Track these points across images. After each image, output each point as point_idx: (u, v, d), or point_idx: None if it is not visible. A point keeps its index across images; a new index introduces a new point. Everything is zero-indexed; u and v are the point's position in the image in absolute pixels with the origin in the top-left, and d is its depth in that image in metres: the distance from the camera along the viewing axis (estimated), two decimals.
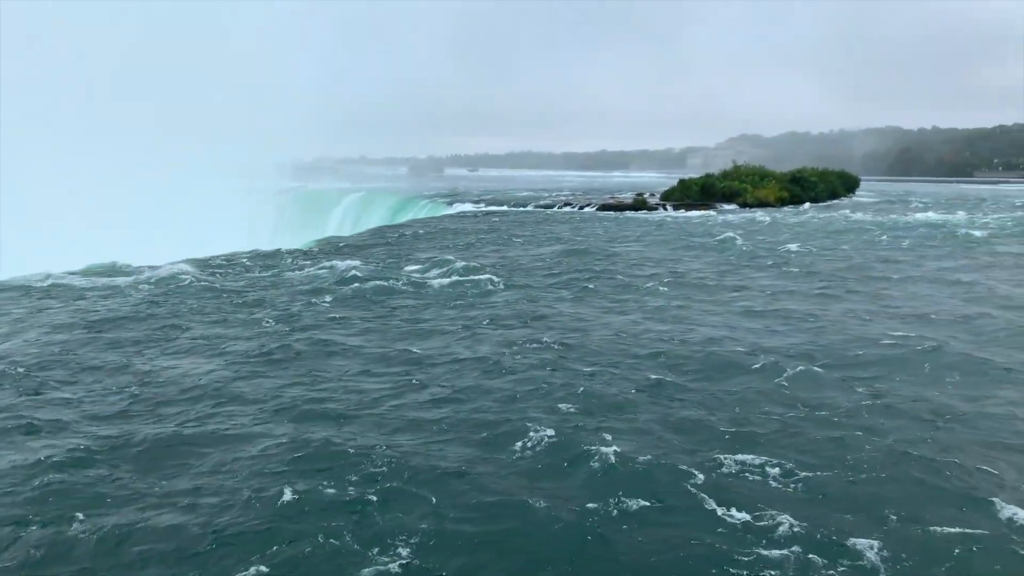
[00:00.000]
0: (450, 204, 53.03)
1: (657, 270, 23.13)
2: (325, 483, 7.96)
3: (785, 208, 53.40)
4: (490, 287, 19.98)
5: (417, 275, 22.10)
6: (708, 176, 61.28)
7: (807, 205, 56.65)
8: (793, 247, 28.88)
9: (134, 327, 15.31)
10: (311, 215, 52.79)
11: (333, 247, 30.13)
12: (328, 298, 18.58)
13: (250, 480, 8.11)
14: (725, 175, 60.67)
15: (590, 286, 20.24)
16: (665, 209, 51.30)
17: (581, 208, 51.60)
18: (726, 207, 52.72)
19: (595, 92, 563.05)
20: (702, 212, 49.11)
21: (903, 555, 6.64)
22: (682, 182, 59.86)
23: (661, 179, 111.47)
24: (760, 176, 60.27)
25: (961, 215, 45.83)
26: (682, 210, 50.43)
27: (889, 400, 10.63)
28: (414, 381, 11.63)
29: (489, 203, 54.62)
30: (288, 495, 7.66)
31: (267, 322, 15.76)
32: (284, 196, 57.72)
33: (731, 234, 32.21)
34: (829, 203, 60.72)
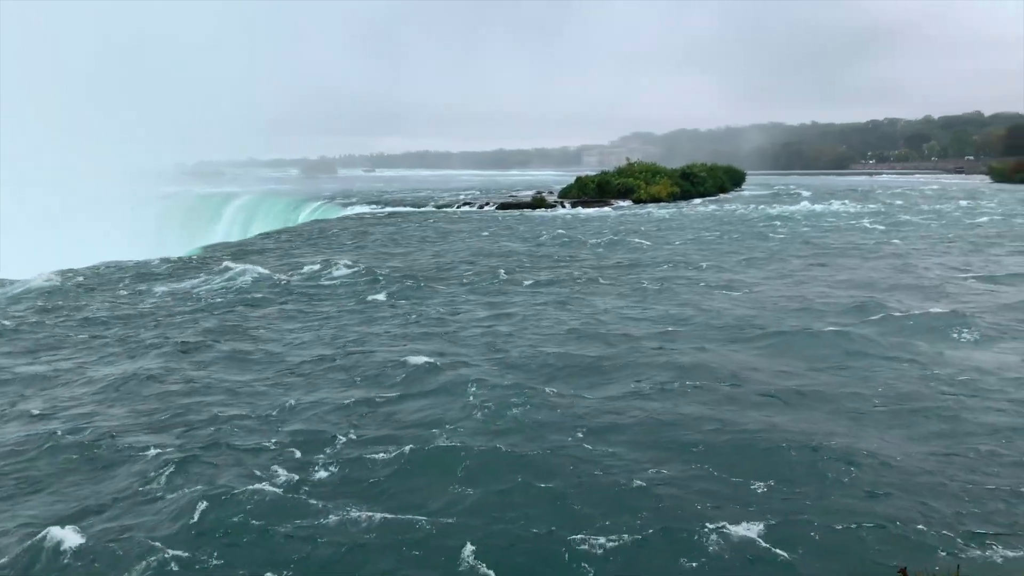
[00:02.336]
0: (345, 206, 51.86)
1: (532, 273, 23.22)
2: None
3: (676, 203, 54.93)
4: (383, 291, 19.49)
5: (310, 279, 21.39)
6: (604, 174, 62.35)
7: (697, 200, 58.47)
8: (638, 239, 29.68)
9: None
10: (197, 221, 50.51)
11: (222, 253, 28.83)
12: (216, 307, 17.64)
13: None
14: (620, 172, 61.83)
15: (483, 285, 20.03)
16: (563, 207, 51.84)
17: (481, 207, 51.47)
18: (621, 203, 53.75)
19: (492, 91, 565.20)
20: (599, 209, 49.99)
21: None
22: (579, 180, 60.69)
23: (559, 176, 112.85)
24: (653, 173, 61.77)
25: (811, 206, 48.37)
26: (580, 207, 51.10)
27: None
28: (288, 383, 11.08)
29: (386, 204, 53.77)
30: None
31: (147, 335, 14.76)
32: (166, 201, 54.92)
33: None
34: (717, 197, 62.87)
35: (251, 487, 7.81)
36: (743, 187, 78.40)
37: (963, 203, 49.91)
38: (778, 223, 37.38)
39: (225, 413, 10.23)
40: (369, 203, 53.83)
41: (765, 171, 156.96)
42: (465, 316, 16.36)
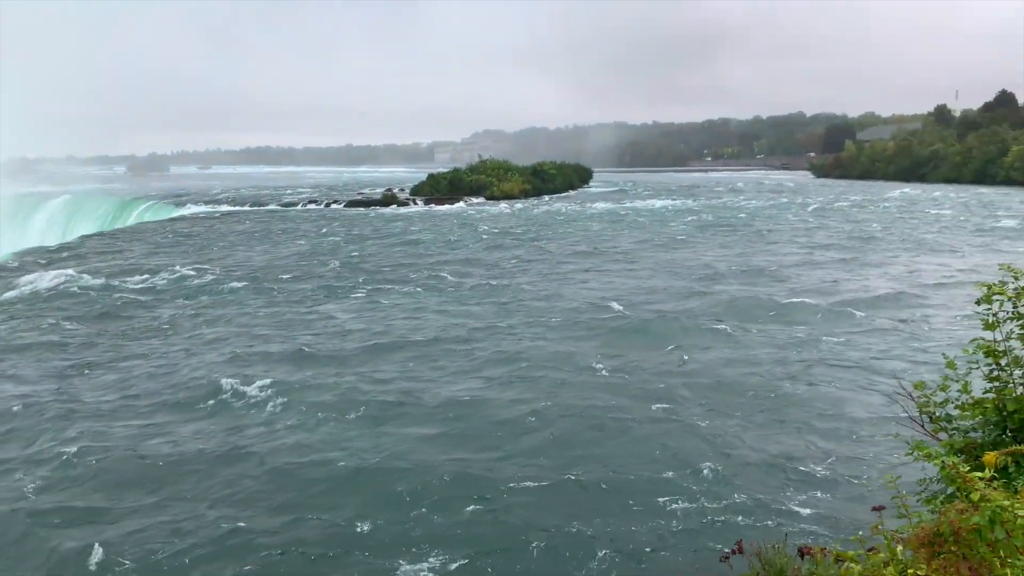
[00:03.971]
0: (179, 206, 48.24)
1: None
2: None
3: (528, 200, 55.30)
4: (221, 291, 17.99)
5: (137, 284, 19.76)
6: (456, 171, 61.96)
7: (547, 197, 59.13)
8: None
9: None
10: (6, 224, 45.19)
11: (36, 259, 26.14)
12: (28, 319, 15.63)
13: None
14: (472, 169, 61.66)
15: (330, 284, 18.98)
16: (416, 204, 50.89)
17: (327, 205, 49.69)
18: (474, 200, 53.44)
19: (337, 86, 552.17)
20: (451, 206, 49.36)
21: None
22: (431, 177, 59.91)
23: (410, 173, 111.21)
24: (505, 170, 62.06)
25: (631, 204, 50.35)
26: (432, 204, 50.34)
27: None
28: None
29: (224, 203, 50.62)
30: None
31: None
32: None
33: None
34: (567, 194, 63.97)
35: None
36: (591, 184, 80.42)
37: (783, 199, 53.01)
38: (609, 221, 38.27)
39: None
40: (205, 203, 50.39)
41: (611, 168, 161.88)
42: (224, 324, 15.76)
